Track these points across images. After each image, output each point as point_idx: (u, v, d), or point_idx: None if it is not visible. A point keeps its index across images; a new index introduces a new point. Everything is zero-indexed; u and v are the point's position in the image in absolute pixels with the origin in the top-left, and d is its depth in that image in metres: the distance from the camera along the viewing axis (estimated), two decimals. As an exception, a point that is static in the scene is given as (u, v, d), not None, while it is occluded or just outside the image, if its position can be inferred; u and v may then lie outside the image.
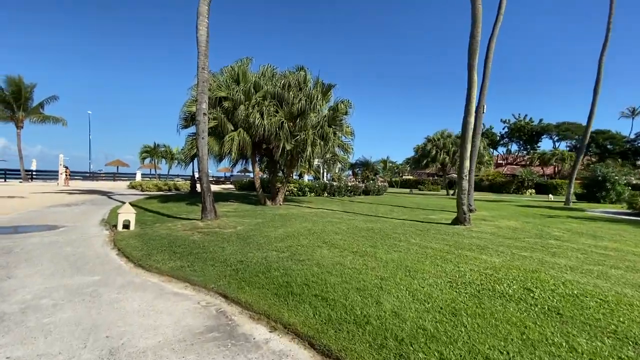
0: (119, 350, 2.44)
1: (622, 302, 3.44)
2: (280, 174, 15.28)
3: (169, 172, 43.19)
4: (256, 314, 3.12)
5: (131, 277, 4.23)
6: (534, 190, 37.57)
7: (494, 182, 40.73)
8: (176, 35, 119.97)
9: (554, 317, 3.06)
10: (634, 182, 26.24)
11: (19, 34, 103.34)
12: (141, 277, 4.28)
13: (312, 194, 20.32)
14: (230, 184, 38.46)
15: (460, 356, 2.33)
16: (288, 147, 11.86)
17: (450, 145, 28.30)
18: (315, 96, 12.23)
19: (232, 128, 11.98)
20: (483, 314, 3.04)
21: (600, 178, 22.58)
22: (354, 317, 2.90)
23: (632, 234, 8.25)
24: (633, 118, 55.79)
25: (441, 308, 3.16)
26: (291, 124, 12.33)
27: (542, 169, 47.59)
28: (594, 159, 44.73)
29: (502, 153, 65.22)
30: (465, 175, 9.07)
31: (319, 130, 12.08)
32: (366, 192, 23.47)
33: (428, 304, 3.26)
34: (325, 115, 12.59)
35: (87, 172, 42.35)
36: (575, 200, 22.60)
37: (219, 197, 16.24)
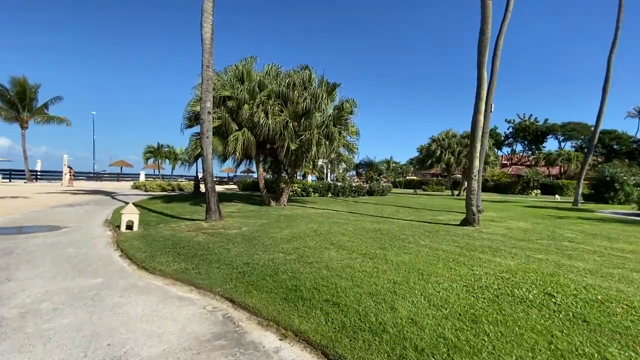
0: (121, 360, 2.30)
1: (651, 309, 3.25)
2: (284, 174, 15.15)
3: (172, 172, 43.21)
4: (265, 320, 2.96)
5: (134, 280, 4.09)
6: (539, 191, 37.17)
7: (499, 183, 40.38)
8: (177, 35, 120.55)
9: (581, 324, 2.88)
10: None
11: (19, 34, 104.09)
12: (144, 279, 4.14)
13: (316, 194, 20.16)
14: (234, 184, 38.40)
15: (487, 369, 2.16)
16: (293, 147, 11.72)
17: (455, 146, 28.00)
18: (320, 95, 12.08)
19: (236, 128, 11.85)
20: (505, 321, 2.87)
21: (608, 178, 22.24)
22: (369, 325, 2.74)
23: (648, 236, 8.01)
24: (639, 118, 55.07)
25: (460, 314, 2.99)
26: (296, 123, 12.19)
27: (548, 169, 47.11)
28: (600, 159, 44.20)
29: (506, 153, 64.73)
30: (475, 175, 8.85)
31: (324, 129, 11.93)
32: (370, 193, 23.28)
33: (445, 309, 3.09)
34: (331, 115, 12.44)
35: (91, 173, 42.56)
36: (583, 201, 22.26)
37: (223, 197, 16.13)
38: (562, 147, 56.16)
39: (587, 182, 24.68)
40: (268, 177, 19.26)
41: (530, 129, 59.00)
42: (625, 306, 3.31)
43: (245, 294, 3.50)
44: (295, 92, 12.15)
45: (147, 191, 22.49)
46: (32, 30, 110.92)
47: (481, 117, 8.72)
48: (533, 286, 3.84)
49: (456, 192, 31.58)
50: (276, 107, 11.97)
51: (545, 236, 7.56)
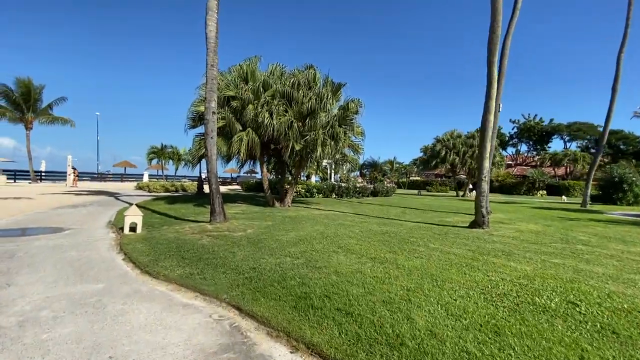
0: (123, 375, 2.16)
1: (683, 320, 3.06)
2: (288, 175, 15.00)
3: (175, 173, 43.29)
4: (274, 330, 2.81)
5: (137, 286, 3.96)
6: (545, 192, 36.77)
7: (504, 183, 40.00)
8: (177, 35, 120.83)
9: (610, 336, 2.70)
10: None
11: (19, 34, 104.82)
12: (148, 285, 4.00)
13: (320, 195, 20.00)
14: (237, 185, 38.35)
15: (518, 388, 1.99)
16: (297, 148, 11.56)
17: (460, 146, 27.73)
18: (325, 95, 11.92)
19: (241, 128, 11.72)
20: (530, 333, 2.69)
21: (616, 179, 21.92)
22: (386, 337, 2.57)
23: (664, 239, 7.77)
24: (646, 118, 54.34)
25: (481, 325, 2.81)
26: (300, 123, 12.04)
27: (554, 169, 46.61)
28: (606, 160, 43.62)
29: (510, 154, 64.15)
30: (485, 176, 8.65)
31: (329, 130, 11.76)
32: (374, 194, 23.09)
33: (465, 320, 2.92)
34: (336, 115, 12.27)
35: (95, 173, 42.64)
36: (591, 202, 21.91)
37: (227, 198, 16.00)
38: (567, 147, 55.57)
39: (595, 182, 24.32)
40: (272, 177, 19.10)
41: (535, 129, 58.43)
42: (654, 316, 3.12)
43: (253, 301, 3.34)
44: (300, 92, 12.01)
45: (150, 192, 22.46)
46: (33, 30, 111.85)
47: (491, 117, 8.51)
48: (554, 293, 3.65)
49: (461, 193, 31.31)
50: (281, 107, 11.82)
51: (558, 239, 7.35)
